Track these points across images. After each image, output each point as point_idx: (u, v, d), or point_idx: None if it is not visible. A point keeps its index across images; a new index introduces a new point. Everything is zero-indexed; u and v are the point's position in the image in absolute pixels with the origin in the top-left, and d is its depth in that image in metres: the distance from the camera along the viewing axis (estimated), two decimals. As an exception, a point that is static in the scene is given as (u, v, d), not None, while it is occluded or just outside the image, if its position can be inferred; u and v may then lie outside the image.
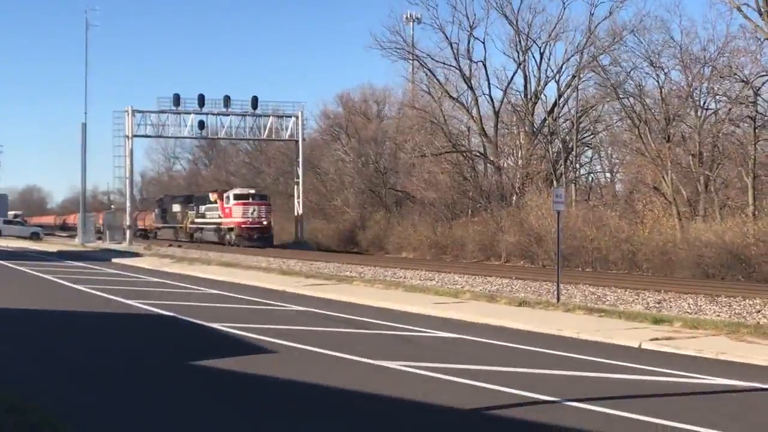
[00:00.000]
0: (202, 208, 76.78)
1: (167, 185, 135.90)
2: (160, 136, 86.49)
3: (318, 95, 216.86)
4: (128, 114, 73.79)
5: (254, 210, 68.06)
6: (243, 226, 67.29)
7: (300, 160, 78.11)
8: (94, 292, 28.00)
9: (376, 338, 18.32)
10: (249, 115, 75.47)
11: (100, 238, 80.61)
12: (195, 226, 77.82)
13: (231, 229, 68.64)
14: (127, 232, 74.95)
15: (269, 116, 76.51)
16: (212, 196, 75.39)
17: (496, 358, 15.79)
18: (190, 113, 73.91)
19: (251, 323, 19.90)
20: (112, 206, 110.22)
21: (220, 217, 71.86)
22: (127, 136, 74.45)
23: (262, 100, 75.58)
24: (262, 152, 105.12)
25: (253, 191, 73.08)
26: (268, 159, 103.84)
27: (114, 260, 48.17)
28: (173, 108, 73.54)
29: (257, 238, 66.41)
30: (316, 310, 23.35)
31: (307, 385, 13.01)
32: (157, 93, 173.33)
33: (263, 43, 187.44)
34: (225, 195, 71.96)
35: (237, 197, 69.90)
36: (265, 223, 68.32)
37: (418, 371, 13.90)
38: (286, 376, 13.62)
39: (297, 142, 78.13)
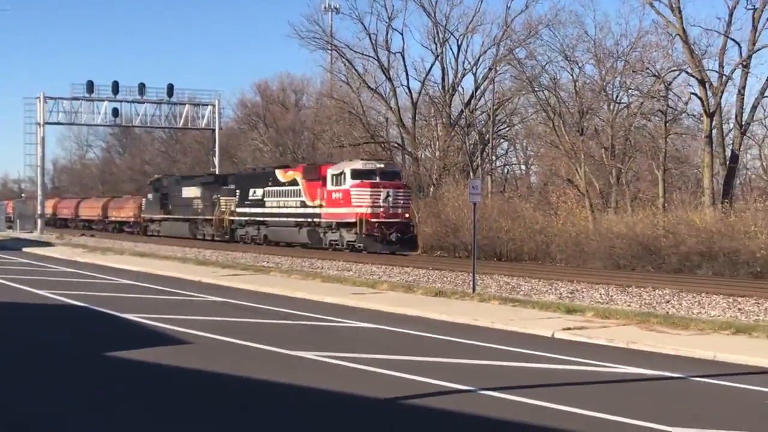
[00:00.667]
0: (258, 192, 53.66)
1: (80, 173, 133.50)
2: (72, 124, 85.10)
3: (235, 84, 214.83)
4: (40, 101, 72.29)
5: (388, 195, 43.93)
6: (373, 219, 43.25)
7: (216, 149, 77.50)
8: (2, 282, 27.39)
9: (293, 328, 18.29)
10: (164, 103, 74.56)
11: (10, 227, 78.85)
12: (243, 218, 55.57)
13: (345, 225, 44.94)
14: (39, 221, 73.44)
15: (185, 104, 75.70)
16: (285, 174, 51.65)
17: (412, 347, 15.89)
18: (104, 100, 72.75)
19: (166, 314, 19.68)
20: (23, 195, 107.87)
21: (309, 205, 48.10)
22: (39, 124, 72.96)
23: (177, 88, 74.85)
24: (178, 141, 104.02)
25: (382, 165, 47.03)
26: (183, 148, 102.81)
27: (25, 249, 47.18)
28: (86, 95, 72.28)
29: (396, 239, 43.35)
30: (233, 301, 23.20)
31: (222, 376, 12.93)
32: (71, 80, 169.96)
33: (179, 30, 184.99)
34: (334, 172, 46.27)
35: (358, 174, 44.76)
36: (406, 216, 45.12)
37: (334, 361, 13.91)
38: (202, 367, 13.51)
39: (213, 130, 77.50)
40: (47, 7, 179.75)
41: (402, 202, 44.52)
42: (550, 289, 25.94)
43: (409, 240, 44.14)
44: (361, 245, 43.39)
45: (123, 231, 76.81)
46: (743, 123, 49.08)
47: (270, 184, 52.11)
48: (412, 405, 11.22)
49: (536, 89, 59.21)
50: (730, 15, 47.91)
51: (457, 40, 63.32)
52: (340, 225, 45.08)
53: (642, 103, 53.94)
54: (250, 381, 12.66)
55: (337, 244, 45.24)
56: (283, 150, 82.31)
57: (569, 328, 17.61)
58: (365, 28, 64.27)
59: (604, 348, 15.94)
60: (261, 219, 52.97)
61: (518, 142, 73.35)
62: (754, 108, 49.77)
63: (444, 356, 14.85)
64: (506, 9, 60.95)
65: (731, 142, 49.86)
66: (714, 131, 48.44)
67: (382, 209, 43.29)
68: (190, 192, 63.82)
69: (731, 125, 50.60)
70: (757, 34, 47.41)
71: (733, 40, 48.37)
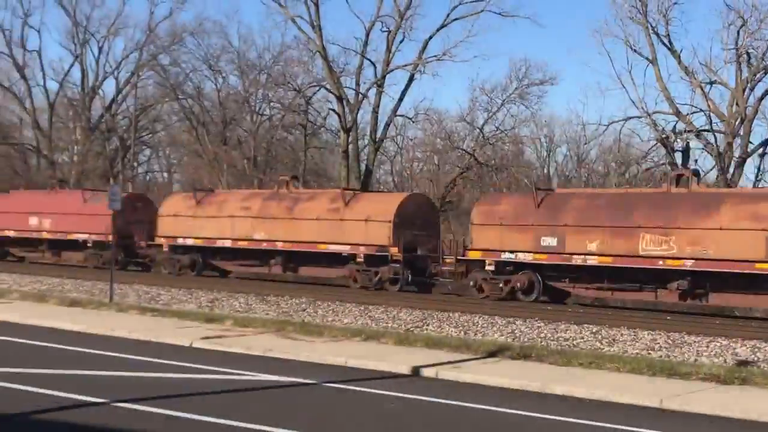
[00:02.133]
0: None
1: None
2: None
3: None
4: None
5: None
6: None
7: None
8: None
9: None
10: None
11: None
12: None
13: None
14: None
15: None
16: None
17: (43, 360, 15.22)
18: None
19: None
20: None
21: None
22: None
23: None
24: None
25: None
26: None
27: None
28: None
29: None
30: None
31: None
32: None
33: None
34: None
35: None
36: None
37: (-44, 377, 13.02)
38: None
39: None
40: None
41: None
42: (191, 298, 25.89)
43: None
44: None
45: None
46: (377, 139, 51.87)
47: None
48: (40, 420, 10.75)
49: (180, 97, 59.03)
50: (367, 36, 50.60)
51: (98, 42, 61.80)
52: None
53: (283, 116, 55.42)
54: None
55: None
56: None
57: (208, 337, 17.68)
58: (-3, 23, 60.86)
59: (241, 356, 16.16)
60: None
61: (161, 149, 72.63)
62: (387, 125, 52.76)
63: (77, 368, 14.36)
64: (150, 14, 60.44)
65: (366, 157, 52.47)
66: (350, 146, 50.78)
67: None
68: None
69: (366, 141, 53.33)
70: (391, 56, 50.42)
71: (369, 60, 51.10)
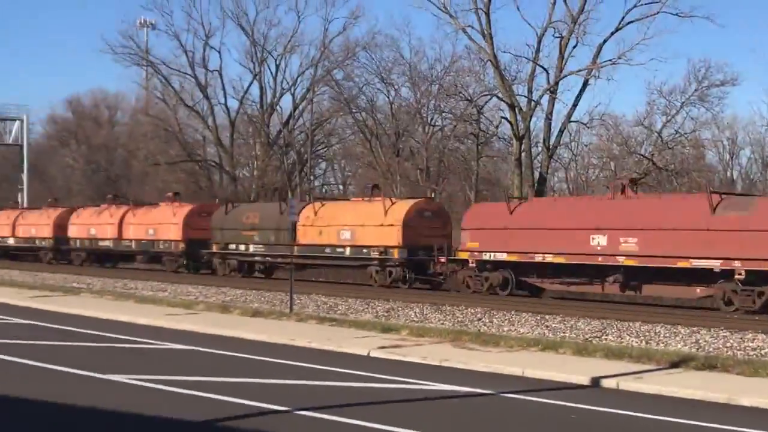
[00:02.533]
0: None
1: None
2: None
3: (45, 99, 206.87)
4: None
5: None
6: None
7: (25, 165, 74.50)
8: None
9: (105, 351, 17.78)
10: (-32, 117, 71.29)
11: None
12: None
13: None
14: None
15: (-10, 119, 72.59)
16: None
17: (228, 369, 15.73)
18: None
19: (-32, 338, 18.76)
20: None
21: None
22: None
23: (-18, 101, 71.64)
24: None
25: None
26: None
27: None
28: None
29: None
30: (40, 323, 22.33)
31: (30, 403, 12.43)
32: None
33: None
34: None
35: None
36: None
37: (148, 384, 13.61)
38: (7, 393, 12.95)
39: (21, 147, 74.48)
40: None
41: None
42: (367, 308, 26.22)
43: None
44: None
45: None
46: (551, 146, 51.26)
47: None
48: (227, 427, 11.11)
49: (354, 110, 60.04)
50: (539, 42, 50.08)
51: (276, 59, 63.54)
52: None
53: (455, 126, 55.52)
54: (57, 406, 12.22)
55: None
56: (96, 167, 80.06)
57: (384, 347, 17.85)
58: (182, 45, 63.70)
59: (418, 366, 16.23)
60: None
61: (336, 162, 74.04)
62: (560, 132, 52.13)
63: (260, 377, 14.77)
64: (324, 31, 61.60)
65: (539, 164, 51.92)
66: (523, 154, 50.36)
67: None
68: None
69: (539, 148, 52.75)
70: (563, 62, 49.70)
71: (542, 66, 50.57)
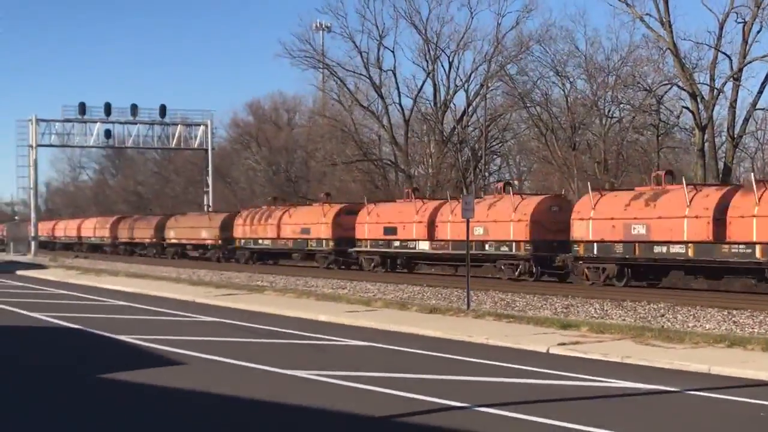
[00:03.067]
0: None
1: (73, 195, 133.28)
2: (65, 146, 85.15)
3: (228, 104, 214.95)
4: (32, 123, 72.31)
5: None
6: None
7: (209, 169, 77.45)
8: (-3, 305, 27.31)
9: (288, 348, 18.25)
10: (157, 124, 74.66)
11: (3, 250, 78.69)
12: None
13: None
14: (32, 244, 73.29)
15: (177, 125, 75.77)
16: None
17: (407, 365, 15.85)
18: (96, 122, 72.80)
19: (161, 335, 19.63)
20: (16, 217, 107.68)
21: None
22: (31, 146, 72.96)
23: (170, 108, 74.98)
24: (171, 161, 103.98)
25: None
26: (176, 168, 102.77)
27: (18, 272, 47.04)
28: (79, 117, 72.37)
29: None
30: (227, 321, 23.15)
31: (217, 397, 12.88)
32: (63, 101, 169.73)
33: (171, 50, 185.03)
34: None
35: None
36: None
37: (329, 380, 13.88)
38: (197, 388, 13.46)
39: (206, 150, 77.47)
40: (38, 29, 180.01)
41: None
42: (545, 304, 25.91)
43: None
44: None
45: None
46: (735, 136, 49.25)
47: None
48: (406, 423, 11.18)
49: (528, 105, 59.39)
50: (721, 28, 48.15)
51: (449, 57, 63.52)
52: None
53: (634, 117, 54.12)
54: (245, 401, 12.61)
55: None
56: (276, 169, 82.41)
57: (564, 344, 17.59)
58: (356, 47, 64.50)
59: (599, 363, 15.92)
60: None
61: (511, 157, 73.50)
62: (746, 120, 49.98)
63: (439, 373, 14.82)
64: (497, 25, 61.17)
65: (724, 155, 50.00)
66: (706, 144, 48.60)
67: None
68: None
69: (723, 138, 50.78)
70: (747, 47, 47.63)
71: (724, 53, 48.63)
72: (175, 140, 76.23)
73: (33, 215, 76.05)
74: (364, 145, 66.99)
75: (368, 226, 43.32)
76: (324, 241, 46.42)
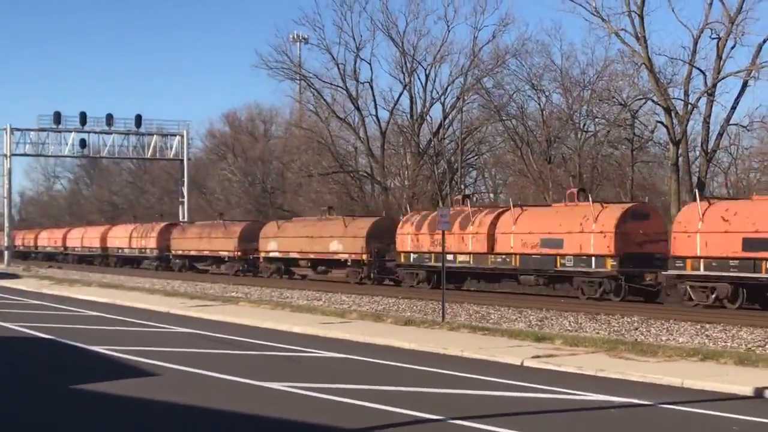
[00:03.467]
0: None
1: (47, 205, 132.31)
2: (39, 155, 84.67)
3: (204, 114, 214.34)
4: (6, 132, 71.88)
5: None
6: None
7: (185, 179, 77.16)
8: (-32, 315, 27.06)
9: (262, 359, 18.18)
10: (132, 134, 74.38)
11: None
12: None
13: None
14: (5, 253, 72.71)
15: (153, 135, 75.49)
16: None
17: (382, 377, 15.83)
18: (71, 131, 72.46)
19: (133, 345, 19.51)
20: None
21: None
22: (5, 155, 72.48)
23: (146, 118, 74.58)
24: (146, 171, 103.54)
25: None
26: (152, 178, 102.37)
27: (-10, 282, 46.63)
28: (54, 126, 71.97)
29: None
30: (201, 332, 23.04)
31: (189, 408, 12.81)
32: (38, 111, 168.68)
33: (147, 60, 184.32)
34: None
35: None
36: None
37: (304, 392, 13.83)
38: (170, 399, 13.39)
39: (182, 161, 77.21)
40: (12, 38, 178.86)
41: None
42: (520, 317, 25.96)
43: None
44: None
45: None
46: (709, 150, 49.63)
47: None
48: (381, 435, 11.16)
49: (504, 118, 59.62)
50: (695, 44, 48.59)
51: (425, 69, 63.72)
52: None
53: (609, 131, 54.43)
54: (218, 412, 12.55)
55: None
56: (252, 180, 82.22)
57: (538, 356, 17.62)
58: (333, 58, 64.58)
59: (573, 376, 15.96)
60: None
61: (487, 170, 73.67)
62: (719, 135, 50.37)
63: (413, 386, 14.81)
64: (473, 39, 61.47)
65: (698, 169, 50.35)
66: (680, 159, 48.96)
67: None
68: None
69: (697, 153, 51.15)
70: (721, 63, 48.06)
71: (698, 68, 49.04)
72: (150, 150, 75.93)
73: (6, 224, 75.50)
74: (340, 157, 66.99)
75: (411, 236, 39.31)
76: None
